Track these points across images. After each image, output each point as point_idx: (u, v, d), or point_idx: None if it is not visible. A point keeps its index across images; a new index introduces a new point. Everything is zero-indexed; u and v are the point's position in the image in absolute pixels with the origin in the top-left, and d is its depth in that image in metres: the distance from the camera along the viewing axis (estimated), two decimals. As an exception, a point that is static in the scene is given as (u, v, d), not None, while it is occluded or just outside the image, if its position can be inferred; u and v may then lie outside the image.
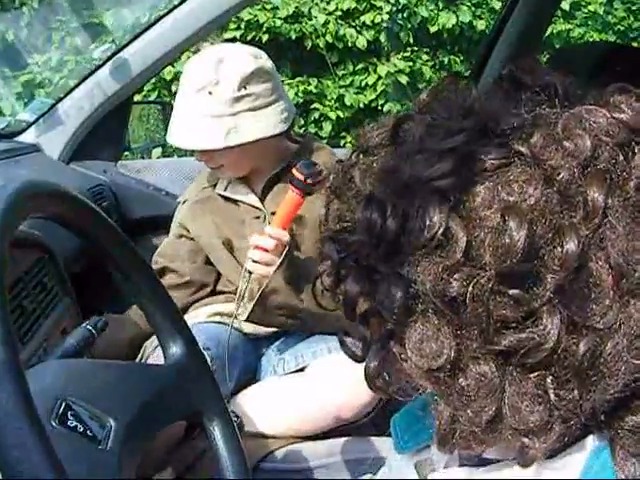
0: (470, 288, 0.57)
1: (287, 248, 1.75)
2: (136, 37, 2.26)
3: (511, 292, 0.56)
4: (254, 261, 1.74)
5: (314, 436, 1.76)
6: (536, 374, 0.58)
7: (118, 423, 0.86)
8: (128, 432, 0.87)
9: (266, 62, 1.88)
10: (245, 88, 1.80)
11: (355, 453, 1.67)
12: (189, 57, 6.65)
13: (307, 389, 1.79)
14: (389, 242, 0.60)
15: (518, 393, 0.58)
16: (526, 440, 0.60)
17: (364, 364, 0.71)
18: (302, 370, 1.85)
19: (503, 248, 0.55)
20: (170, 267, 1.99)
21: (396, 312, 0.61)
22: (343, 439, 1.72)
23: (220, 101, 1.79)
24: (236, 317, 1.81)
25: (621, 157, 0.58)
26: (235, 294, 1.84)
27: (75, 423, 0.82)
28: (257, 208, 1.96)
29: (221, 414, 1.07)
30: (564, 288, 0.56)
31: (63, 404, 0.83)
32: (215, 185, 2.01)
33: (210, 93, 1.79)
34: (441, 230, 0.57)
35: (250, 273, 1.76)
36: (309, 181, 1.69)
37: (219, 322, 1.92)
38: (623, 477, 0.60)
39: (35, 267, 1.41)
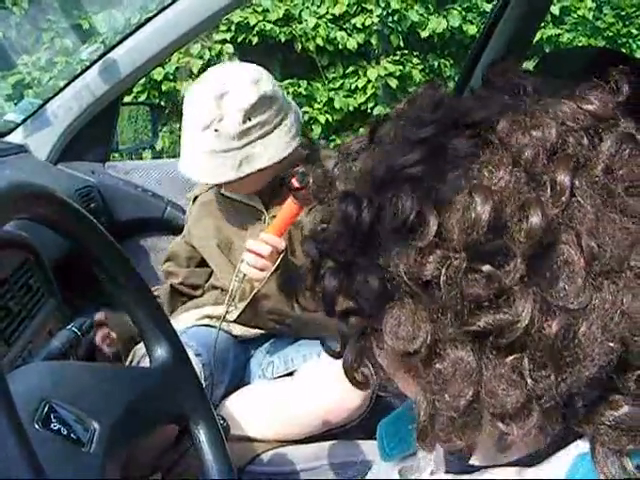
0: (444, 270, 0.58)
1: (282, 255, 1.76)
2: (125, 38, 2.25)
3: (483, 268, 0.56)
4: (248, 264, 1.76)
5: (302, 439, 1.76)
6: (512, 357, 0.58)
7: (102, 426, 0.86)
8: (112, 435, 0.86)
9: (267, 85, 1.84)
10: (250, 120, 1.78)
11: (342, 457, 1.67)
12: (179, 58, 6.65)
13: (296, 393, 1.79)
14: (364, 233, 0.62)
15: (495, 376, 0.59)
16: (503, 426, 0.60)
17: (342, 358, 0.72)
18: (291, 374, 1.85)
19: (469, 222, 0.57)
20: (169, 270, 2.10)
21: (372, 300, 0.62)
22: (330, 442, 1.72)
23: (227, 137, 1.78)
24: (225, 316, 1.83)
25: (586, 141, 0.60)
26: (227, 292, 1.86)
27: (59, 426, 0.81)
28: (259, 211, 1.97)
29: (207, 417, 1.07)
30: (535, 267, 0.57)
31: (47, 406, 0.82)
32: (220, 185, 2.00)
33: (216, 130, 1.78)
34: (413, 214, 0.59)
35: (244, 275, 1.78)
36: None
37: (208, 325, 1.93)
38: (603, 477, 0.60)
39: (21, 268, 1.40)
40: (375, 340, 0.65)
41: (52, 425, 0.81)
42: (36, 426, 0.79)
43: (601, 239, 0.57)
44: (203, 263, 2.10)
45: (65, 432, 0.81)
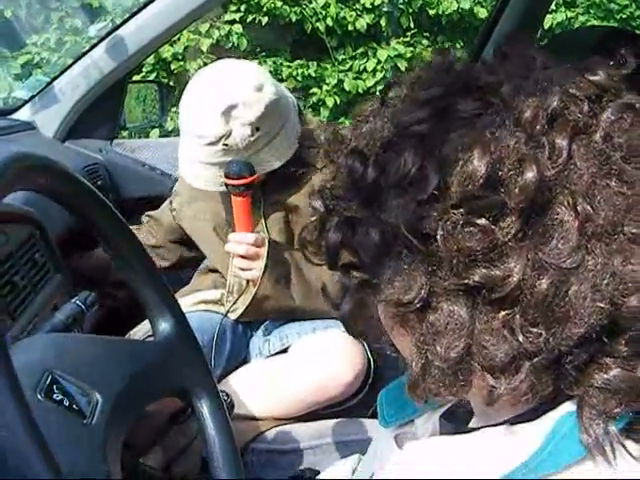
0: (442, 223, 0.60)
1: (266, 247, 1.76)
2: (133, 15, 2.24)
3: (479, 222, 0.58)
4: (237, 267, 1.79)
5: (304, 418, 1.76)
6: (504, 312, 0.60)
7: (104, 398, 0.86)
8: (114, 407, 0.87)
9: (270, 89, 1.78)
10: (258, 130, 1.75)
11: (345, 435, 1.67)
12: (188, 38, 6.57)
13: (290, 369, 1.80)
14: (368, 188, 0.65)
15: (486, 330, 0.60)
16: (492, 380, 0.61)
17: (340, 308, 0.75)
18: (286, 351, 1.86)
19: (466, 175, 0.58)
20: (149, 228, 2.12)
21: (372, 253, 0.65)
22: (333, 421, 1.72)
23: (236, 150, 1.75)
24: (227, 315, 1.87)
25: (587, 109, 0.61)
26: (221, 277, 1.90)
27: (61, 397, 0.82)
28: (255, 198, 1.90)
29: (210, 392, 1.07)
30: (529, 224, 0.59)
31: (49, 377, 0.82)
32: None
33: (225, 145, 1.74)
34: (415, 168, 0.61)
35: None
36: (242, 181, 1.73)
37: (204, 310, 1.93)
38: (587, 438, 0.61)
39: (27, 243, 1.40)
40: (373, 292, 0.67)
41: (54, 396, 0.81)
42: (38, 397, 0.79)
43: (596, 202, 0.58)
44: (179, 242, 2.11)
45: (67, 403, 0.82)
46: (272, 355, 1.88)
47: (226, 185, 1.75)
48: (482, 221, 0.58)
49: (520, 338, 0.59)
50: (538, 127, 0.60)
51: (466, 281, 0.60)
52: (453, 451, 0.70)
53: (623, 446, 0.62)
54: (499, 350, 0.60)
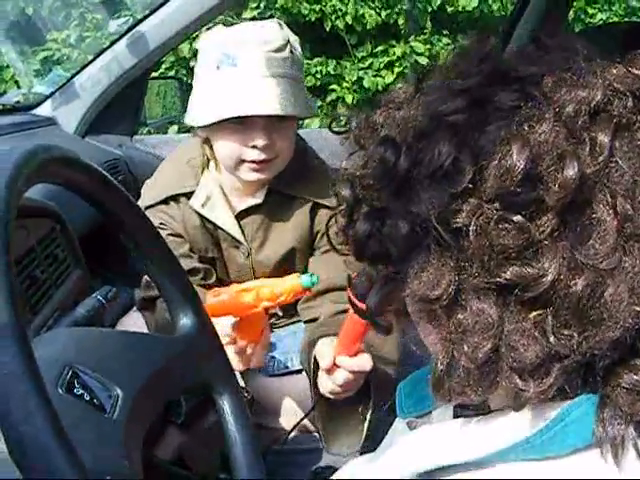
0: (474, 219, 0.58)
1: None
2: (154, 11, 2.24)
3: (514, 218, 0.56)
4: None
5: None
6: (535, 312, 0.58)
7: (125, 392, 0.85)
8: (135, 402, 0.86)
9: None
10: (292, 53, 1.59)
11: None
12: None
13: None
14: (400, 178, 0.62)
15: (516, 330, 0.59)
16: (520, 382, 0.60)
17: (366, 302, 0.74)
18: (291, 373, 1.79)
19: (504, 170, 0.56)
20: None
21: (401, 245, 0.63)
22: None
23: (299, 61, 1.61)
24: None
25: (632, 104, 0.59)
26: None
27: (82, 391, 0.81)
28: (238, 240, 1.75)
29: (231, 389, 1.06)
30: (567, 222, 0.57)
31: (70, 372, 0.82)
32: (189, 195, 1.72)
33: (292, 52, 1.57)
34: (449, 160, 0.59)
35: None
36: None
37: None
38: (601, 431, 0.60)
39: (47, 237, 1.40)
40: (400, 286, 0.65)
41: (75, 390, 0.81)
42: (59, 391, 0.79)
43: (636, 202, 0.56)
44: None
45: (88, 397, 0.81)
46: (277, 375, 1.80)
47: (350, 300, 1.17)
48: (517, 218, 0.57)
49: (552, 340, 0.58)
50: (580, 122, 0.58)
51: (497, 279, 0.58)
52: (460, 432, 0.69)
53: (636, 448, 0.60)
54: (529, 352, 0.58)
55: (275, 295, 1.49)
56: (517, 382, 0.60)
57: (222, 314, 1.46)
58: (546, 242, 0.57)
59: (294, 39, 1.62)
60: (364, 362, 1.33)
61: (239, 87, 1.52)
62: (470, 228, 0.58)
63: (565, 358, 0.59)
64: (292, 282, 1.48)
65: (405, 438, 0.77)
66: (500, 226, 0.57)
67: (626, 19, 7.68)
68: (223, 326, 1.43)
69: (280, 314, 1.90)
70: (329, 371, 1.35)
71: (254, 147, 1.57)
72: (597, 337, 0.57)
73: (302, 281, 1.47)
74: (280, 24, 1.61)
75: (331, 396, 1.39)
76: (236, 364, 1.49)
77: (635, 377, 0.60)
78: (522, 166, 0.56)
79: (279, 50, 1.55)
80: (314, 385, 1.41)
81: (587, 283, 0.56)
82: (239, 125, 1.55)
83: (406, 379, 0.91)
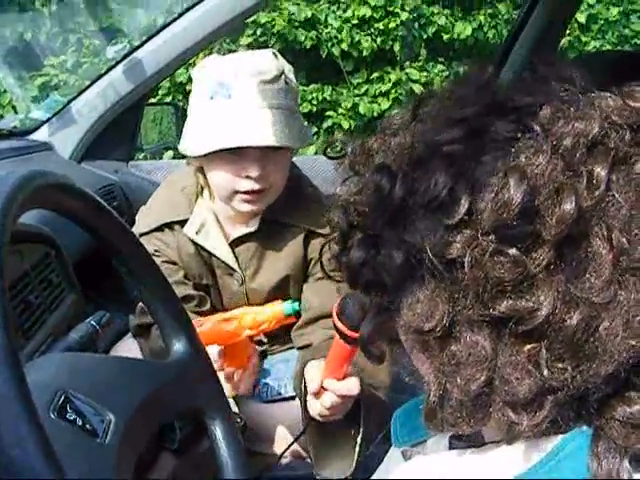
0: (469, 250, 0.57)
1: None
2: (150, 38, 2.26)
3: (510, 251, 0.56)
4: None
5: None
6: (530, 346, 0.58)
7: (117, 418, 0.85)
8: (127, 427, 0.86)
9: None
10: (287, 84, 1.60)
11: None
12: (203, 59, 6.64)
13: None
14: (395, 207, 0.62)
15: (510, 364, 0.58)
16: (514, 415, 0.59)
17: (360, 331, 0.73)
18: (285, 400, 1.78)
19: (501, 202, 0.56)
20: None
21: (395, 275, 0.62)
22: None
23: (294, 90, 1.61)
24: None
25: (629, 137, 0.58)
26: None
27: (74, 416, 0.81)
28: (232, 268, 1.74)
29: (223, 413, 1.06)
30: (563, 256, 0.56)
31: (62, 397, 0.82)
32: (183, 222, 1.72)
33: (286, 83, 1.58)
34: (445, 191, 0.58)
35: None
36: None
37: None
38: (596, 466, 0.59)
39: (42, 262, 1.40)
40: (393, 315, 0.65)
41: (67, 415, 0.80)
42: (51, 415, 0.79)
43: (632, 235, 0.56)
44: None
45: (80, 422, 0.81)
46: (269, 401, 1.80)
47: (335, 326, 1.21)
48: (513, 251, 0.56)
49: (545, 373, 0.57)
50: (577, 155, 0.57)
51: (492, 312, 0.57)
52: (454, 465, 0.69)
53: None
54: (522, 385, 0.58)
55: (257, 323, 1.50)
56: (510, 415, 0.60)
57: (207, 343, 1.46)
58: (541, 275, 0.56)
59: (289, 69, 1.63)
60: (352, 386, 1.33)
61: (233, 118, 1.53)
62: (465, 260, 0.57)
63: (559, 391, 0.58)
64: (274, 310, 1.50)
65: (400, 469, 0.77)
66: (495, 259, 0.56)
67: (618, 47, 7.74)
68: (210, 354, 1.42)
69: (264, 340, 1.89)
70: (317, 394, 1.35)
71: (248, 177, 1.57)
72: (591, 371, 0.57)
73: (284, 308, 1.48)
74: (275, 54, 1.61)
75: (320, 419, 1.39)
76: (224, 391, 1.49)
77: (629, 410, 0.59)
78: (519, 199, 0.55)
79: (273, 81, 1.55)
80: (304, 409, 1.42)
81: (582, 317, 0.56)
82: (233, 156, 1.55)
83: (401, 408, 0.90)
